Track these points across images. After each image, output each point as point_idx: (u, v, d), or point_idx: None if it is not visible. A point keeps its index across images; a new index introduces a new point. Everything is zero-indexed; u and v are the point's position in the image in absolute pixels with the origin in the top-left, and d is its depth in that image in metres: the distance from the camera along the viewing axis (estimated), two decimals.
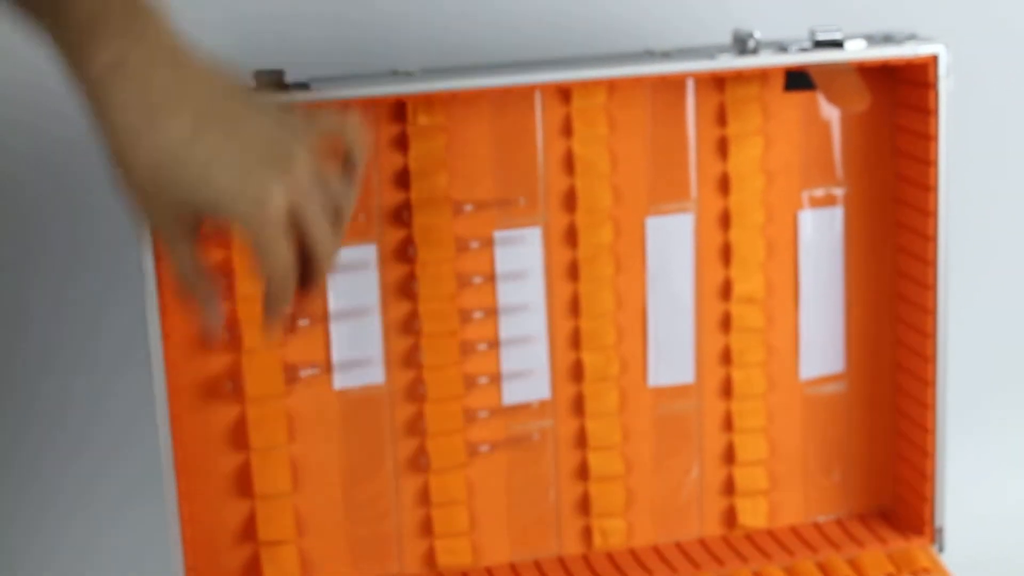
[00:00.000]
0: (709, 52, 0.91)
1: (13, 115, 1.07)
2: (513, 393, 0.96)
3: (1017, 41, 1.19)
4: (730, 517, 1.01)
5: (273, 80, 0.84)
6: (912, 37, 0.92)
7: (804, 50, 0.91)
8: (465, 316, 0.94)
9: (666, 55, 0.91)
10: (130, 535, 1.12)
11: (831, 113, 0.97)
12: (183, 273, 0.72)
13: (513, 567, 0.98)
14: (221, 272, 0.88)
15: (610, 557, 0.99)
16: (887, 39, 0.92)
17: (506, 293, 0.95)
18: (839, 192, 0.98)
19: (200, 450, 0.91)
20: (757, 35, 0.90)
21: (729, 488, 1.01)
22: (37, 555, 1.14)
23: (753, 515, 1.01)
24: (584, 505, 0.99)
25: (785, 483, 1.02)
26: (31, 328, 1.11)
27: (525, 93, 0.93)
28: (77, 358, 1.11)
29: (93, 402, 1.12)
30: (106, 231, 1.08)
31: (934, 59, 0.91)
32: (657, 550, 1.00)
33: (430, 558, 0.97)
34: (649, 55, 0.91)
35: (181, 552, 0.86)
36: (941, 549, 1.00)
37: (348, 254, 0.91)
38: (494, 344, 0.95)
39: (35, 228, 1.10)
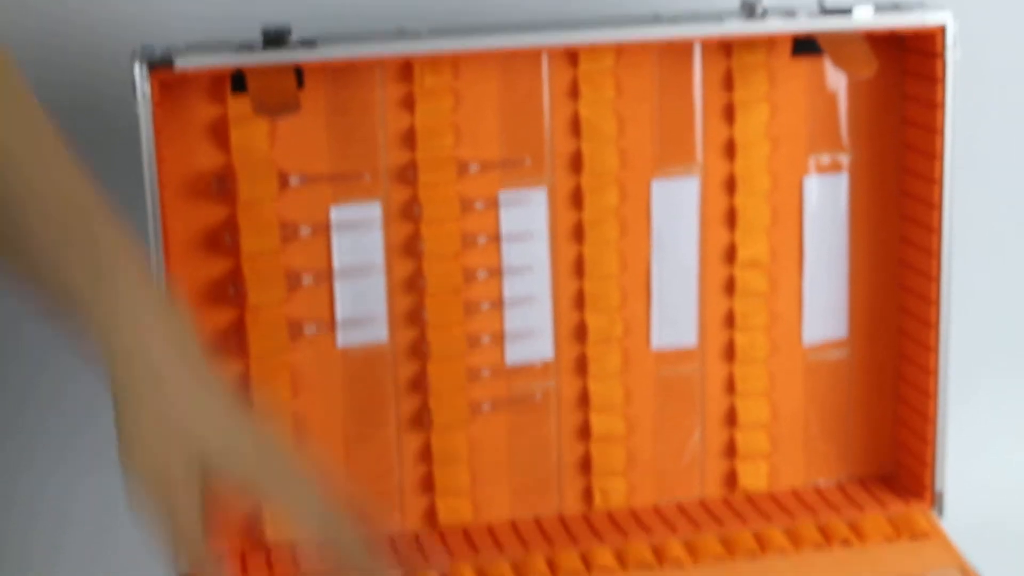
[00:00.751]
0: (717, 17, 0.91)
1: None
2: (516, 353, 0.97)
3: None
4: (731, 480, 1.03)
5: (279, 36, 0.85)
6: (921, 5, 0.93)
7: (812, 16, 0.92)
8: (469, 276, 0.95)
9: (674, 20, 0.91)
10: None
11: (838, 81, 0.97)
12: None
13: (514, 525, 0.99)
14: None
15: (610, 516, 1.00)
16: (895, 7, 0.93)
17: (510, 254, 0.96)
18: (845, 159, 0.98)
19: None
20: (765, 0, 0.91)
21: (730, 451, 1.02)
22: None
23: (754, 478, 1.02)
24: (585, 465, 1.00)
25: (786, 447, 1.03)
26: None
27: (532, 55, 0.93)
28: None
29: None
30: None
31: (942, 29, 0.92)
32: (657, 510, 1.01)
33: (431, 515, 0.98)
34: (657, 19, 0.92)
35: None
36: (941, 513, 1.01)
37: (353, 212, 0.92)
38: (498, 304, 0.96)
39: None
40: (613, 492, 1.00)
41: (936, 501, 1.00)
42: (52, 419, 1.15)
